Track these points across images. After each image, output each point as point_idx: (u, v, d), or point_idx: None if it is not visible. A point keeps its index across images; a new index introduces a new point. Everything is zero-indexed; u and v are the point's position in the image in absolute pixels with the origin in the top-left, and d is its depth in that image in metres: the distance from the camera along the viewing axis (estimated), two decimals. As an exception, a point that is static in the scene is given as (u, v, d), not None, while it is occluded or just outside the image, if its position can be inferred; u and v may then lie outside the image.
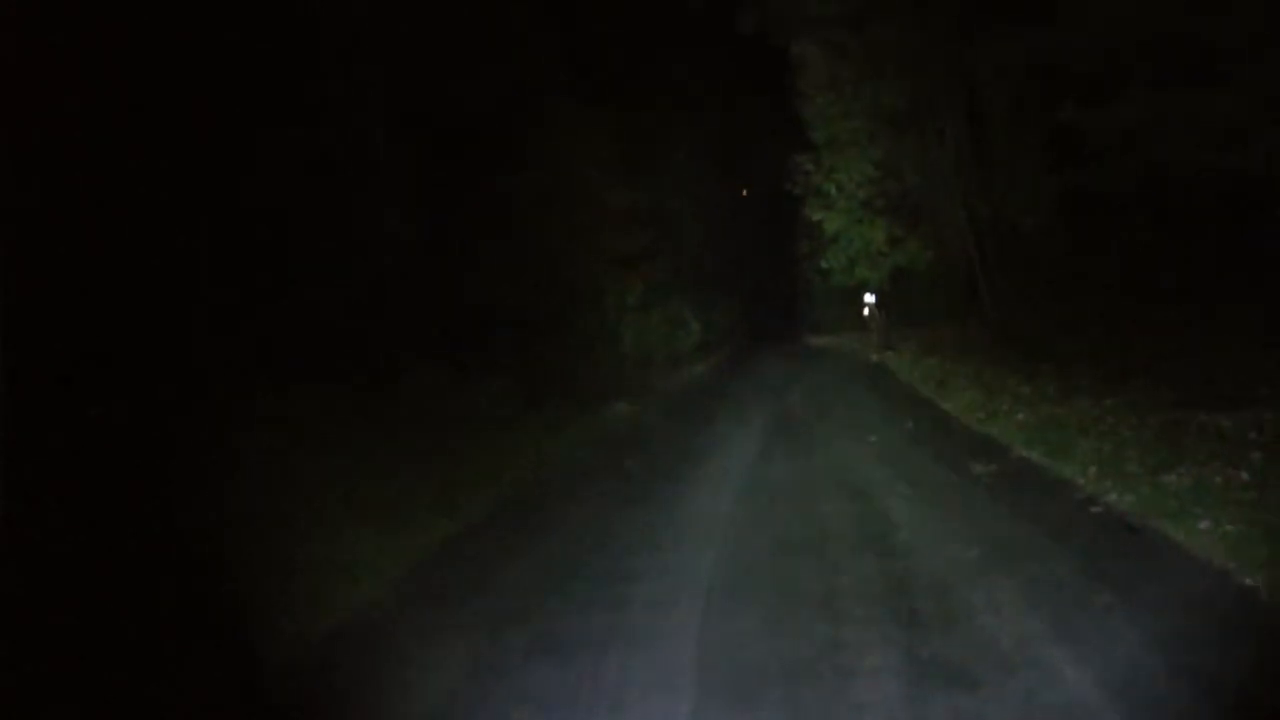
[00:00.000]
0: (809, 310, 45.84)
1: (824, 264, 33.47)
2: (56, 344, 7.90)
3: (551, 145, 22.80)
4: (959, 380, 17.88)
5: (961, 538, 7.81)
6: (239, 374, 12.43)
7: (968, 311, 26.60)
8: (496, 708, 5.45)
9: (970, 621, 5.91)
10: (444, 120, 19.52)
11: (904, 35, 25.44)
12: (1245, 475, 8.03)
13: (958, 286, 27.88)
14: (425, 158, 19.10)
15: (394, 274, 17.54)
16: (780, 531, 8.99)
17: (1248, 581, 5.89)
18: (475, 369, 18.07)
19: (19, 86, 7.59)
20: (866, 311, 32.61)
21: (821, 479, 11.34)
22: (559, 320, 22.50)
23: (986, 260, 25.53)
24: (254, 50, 13.63)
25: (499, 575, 8.39)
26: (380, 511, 10.12)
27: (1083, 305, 19.37)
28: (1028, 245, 23.91)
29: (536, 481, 13.24)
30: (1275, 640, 5.23)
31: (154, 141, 10.91)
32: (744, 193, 48.84)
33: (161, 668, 5.76)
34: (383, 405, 14.63)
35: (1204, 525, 6.98)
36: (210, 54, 12.39)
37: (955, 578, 6.79)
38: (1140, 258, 19.35)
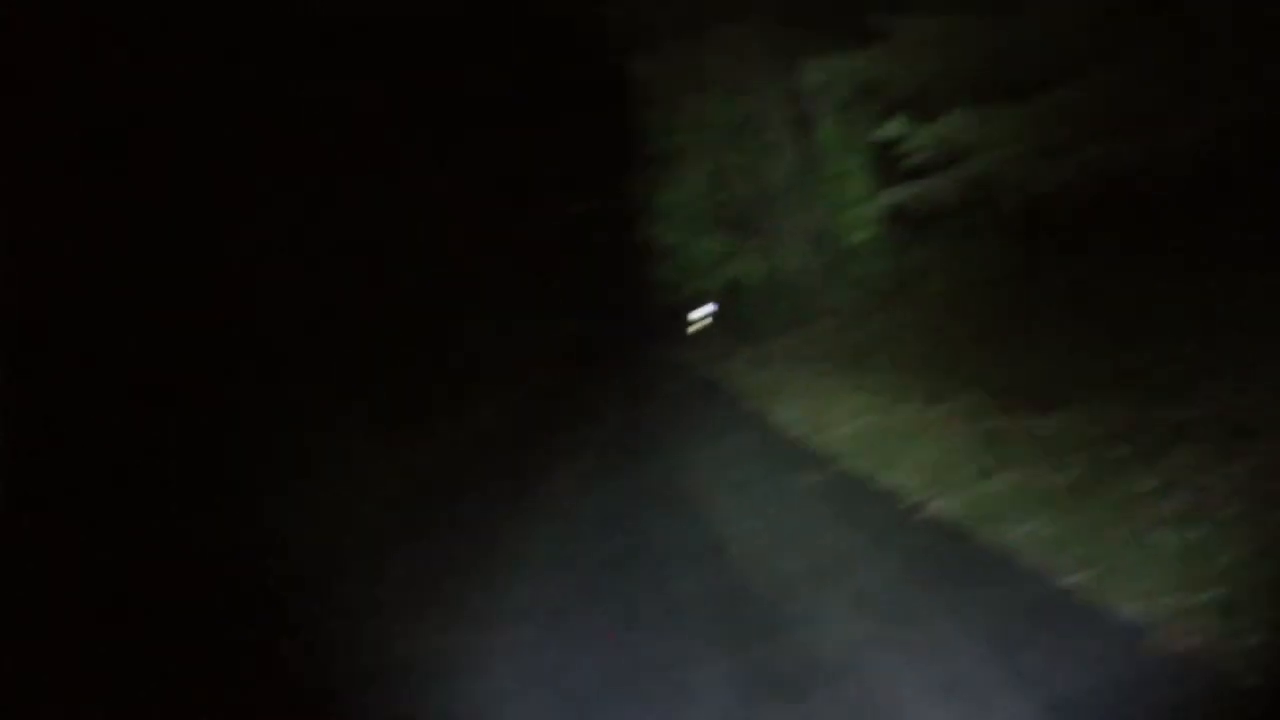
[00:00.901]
0: (649, 322, 45.97)
1: (662, 276, 33.59)
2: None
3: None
4: (790, 390, 18.00)
5: (789, 549, 7.77)
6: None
7: (804, 322, 26.93)
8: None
9: (797, 632, 5.85)
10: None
11: (732, 49, 25.70)
12: (1064, 478, 8.09)
13: (795, 298, 28.23)
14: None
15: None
16: (608, 548, 8.91)
17: (1067, 580, 5.95)
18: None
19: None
20: (700, 324, 32.86)
21: (646, 494, 11.26)
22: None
23: (821, 271, 25.91)
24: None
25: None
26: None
27: (913, 314, 19.76)
28: (860, 257, 24.34)
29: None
30: (1089, 634, 5.28)
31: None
32: (574, 211, 48.70)
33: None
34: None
35: (1026, 528, 7.02)
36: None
37: (782, 590, 6.73)
38: (967, 268, 19.88)
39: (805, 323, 26.54)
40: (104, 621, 5.97)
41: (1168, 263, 16.45)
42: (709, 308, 32.38)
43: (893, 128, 15.71)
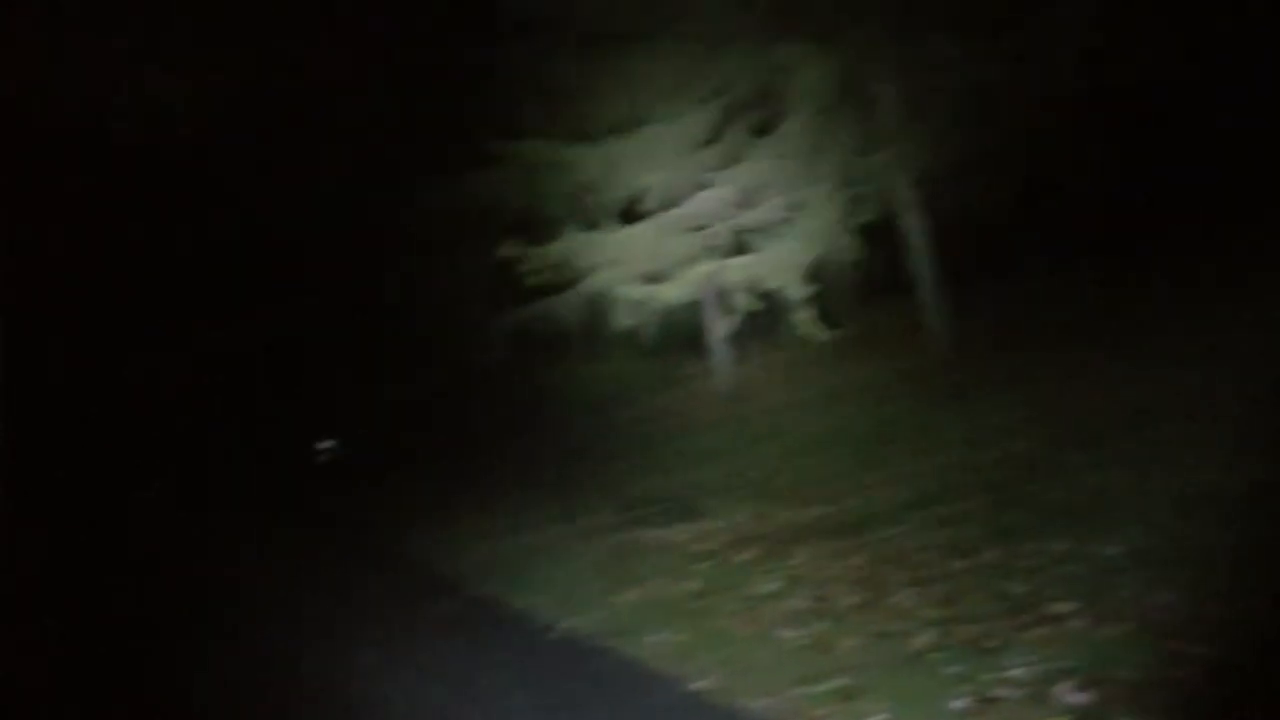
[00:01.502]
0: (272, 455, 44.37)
1: (285, 408, 32.54)
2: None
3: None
4: (421, 518, 17.49)
5: (421, 682, 7.38)
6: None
7: (435, 447, 26.59)
8: None
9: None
10: None
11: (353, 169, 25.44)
12: (692, 585, 8.22)
13: (425, 423, 27.87)
14: None
15: None
16: (233, 696, 8.24)
17: (697, 685, 5.95)
18: None
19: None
20: (326, 456, 31.76)
21: (268, 637, 10.56)
22: None
23: (449, 394, 25.77)
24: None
25: None
26: None
27: (542, 434, 19.85)
28: (488, 378, 24.39)
29: None
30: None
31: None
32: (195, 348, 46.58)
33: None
34: None
35: (655, 638, 6.98)
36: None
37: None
38: (594, 385, 20.24)
39: (436, 448, 26.19)
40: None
41: (786, 375, 17.35)
42: (331, 441, 31.32)
43: (510, 249, 15.81)
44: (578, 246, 15.25)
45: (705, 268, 14.82)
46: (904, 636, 6.00)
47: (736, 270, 14.51)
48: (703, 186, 14.77)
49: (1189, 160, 15.17)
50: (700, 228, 15.00)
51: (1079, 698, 4.72)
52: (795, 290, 14.03)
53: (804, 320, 14.20)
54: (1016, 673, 5.13)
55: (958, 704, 4.95)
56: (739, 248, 14.92)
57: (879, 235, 14.97)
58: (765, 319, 15.76)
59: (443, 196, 19.03)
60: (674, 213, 14.97)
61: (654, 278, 15.13)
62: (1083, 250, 17.56)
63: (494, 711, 6.32)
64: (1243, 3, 13.65)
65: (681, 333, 18.12)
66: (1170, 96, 14.29)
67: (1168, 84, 13.69)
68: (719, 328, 16.95)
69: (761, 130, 14.59)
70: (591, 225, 15.48)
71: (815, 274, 14.53)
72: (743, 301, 14.61)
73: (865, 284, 16.55)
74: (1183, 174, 15.34)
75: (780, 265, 14.12)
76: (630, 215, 15.56)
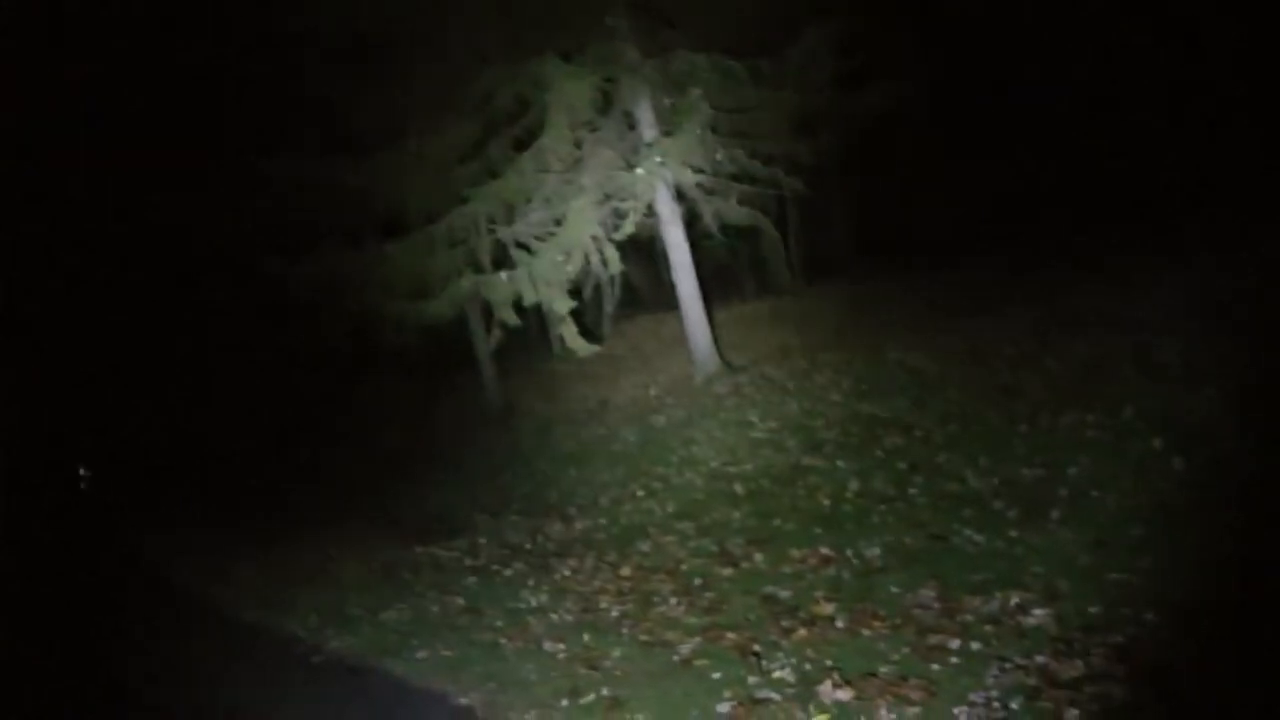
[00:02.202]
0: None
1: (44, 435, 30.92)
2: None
3: None
4: (188, 548, 16.84)
5: (197, 701, 7.16)
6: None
7: (201, 473, 25.74)
8: None
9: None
10: None
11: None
12: (460, 601, 8.23)
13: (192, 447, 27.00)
14: None
15: None
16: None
17: (462, 701, 5.97)
18: None
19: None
20: (84, 484, 30.33)
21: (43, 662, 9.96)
22: None
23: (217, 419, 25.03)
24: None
25: None
26: None
27: (311, 454, 19.47)
28: (258, 401, 23.74)
29: None
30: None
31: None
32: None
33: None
34: None
35: (421, 655, 6.98)
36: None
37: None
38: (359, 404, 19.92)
39: (202, 473, 25.28)
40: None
41: (553, 390, 17.39)
42: (85, 469, 29.91)
43: (273, 265, 15.31)
44: (342, 262, 14.86)
45: (467, 283, 14.63)
46: (671, 645, 6.11)
47: (498, 285, 14.35)
48: (464, 200, 14.57)
49: (942, 182, 15.96)
50: (461, 242, 14.81)
51: (841, 694, 4.87)
52: (558, 305, 13.94)
53: (568, 334, 14.13)
54: (781, 674, 5.27)
55: (723, 708, 5.09)
56: (500, 262, 14.77)
57: (647, 250, 15.12)
58: (532, 334, 15.75)
59: (209, 213, 18.32)
60: (436, 227, 14.73)
61: (418, 293, 14.86)
62: (840, 266, 18.24)
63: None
64: (989, 36, 14.46)
65: (451, 348, 17.97)
66: (922, 120, 14.94)
67: (919, 108, 14.32)
68: (486, 343, 16.81)
69: (521, 144, 14.48)
70: (356, 241, 15.13)
71: (577, 289, 14.47)
72: (506, 316, 14.42)
73: (633, 299, 16.68)
74: (936, 194, 16.12)
75: (541, 280, 14.01)
76: (394, 230, 15.24)
